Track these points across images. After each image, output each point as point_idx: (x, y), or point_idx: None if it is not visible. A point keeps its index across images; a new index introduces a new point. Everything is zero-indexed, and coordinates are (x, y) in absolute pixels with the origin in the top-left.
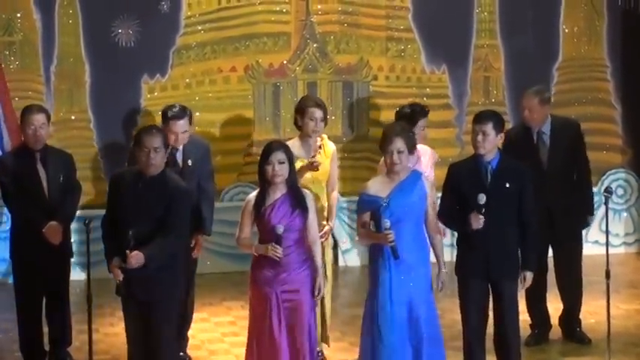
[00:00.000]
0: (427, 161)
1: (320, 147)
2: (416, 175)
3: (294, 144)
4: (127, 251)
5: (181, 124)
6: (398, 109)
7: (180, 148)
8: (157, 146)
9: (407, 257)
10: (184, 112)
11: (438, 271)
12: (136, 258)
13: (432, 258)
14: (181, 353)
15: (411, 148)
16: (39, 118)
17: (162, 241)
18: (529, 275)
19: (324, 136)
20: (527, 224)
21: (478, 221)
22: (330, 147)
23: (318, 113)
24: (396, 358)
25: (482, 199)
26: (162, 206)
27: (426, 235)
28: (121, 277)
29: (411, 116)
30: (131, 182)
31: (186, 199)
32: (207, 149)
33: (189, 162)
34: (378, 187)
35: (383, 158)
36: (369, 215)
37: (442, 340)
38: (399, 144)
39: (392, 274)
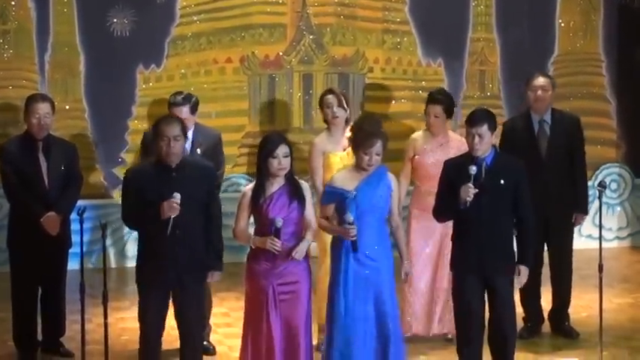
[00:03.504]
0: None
1: (349, 139)
2: (382, 170)
3: (322, 139)
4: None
5: (183, 111)
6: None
7: (190, 137)
8: (177, 134)
9: (370, 251)
10: (187, 100)
11: (401, 263)
12: None
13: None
14: (205, 342)
15: (384, 149)
16: (44, 107)
17: (216, 226)
18: (524, 270)
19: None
20: (524, 219)
21: (467, 192)
22: None
23: (331, 99)
24: (357, 354)
25: (472, 169)
26: (203, 190)
27: (389, 228)
28: (176, 207)
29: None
30: (156, 174)
31: (216, 177)
32: (217, 139)
33: (198, 151)
34: (344, 179)
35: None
36: (333, 207)
37: (402, 337)
38: (379, 147)
39: (354, 269)
